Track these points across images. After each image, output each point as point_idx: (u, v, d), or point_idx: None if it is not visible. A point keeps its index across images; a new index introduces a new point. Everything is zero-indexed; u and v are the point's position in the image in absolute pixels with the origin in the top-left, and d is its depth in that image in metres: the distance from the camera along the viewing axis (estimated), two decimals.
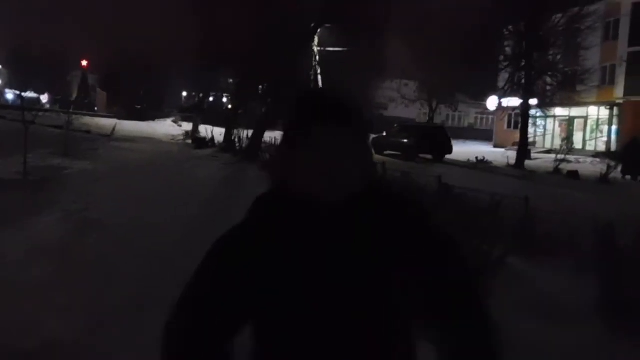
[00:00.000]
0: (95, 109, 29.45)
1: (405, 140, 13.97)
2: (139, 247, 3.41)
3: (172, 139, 14.77)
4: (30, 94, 30.13)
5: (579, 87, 15.38)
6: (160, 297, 2.51)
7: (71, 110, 12.12)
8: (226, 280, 0.63)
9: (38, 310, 2.28)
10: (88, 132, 12.69)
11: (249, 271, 0.62)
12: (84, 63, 32.67)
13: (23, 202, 4.55)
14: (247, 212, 0.68)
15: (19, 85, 27.76)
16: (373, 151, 0.65)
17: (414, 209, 0.65)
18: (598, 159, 14.22)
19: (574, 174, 11.44)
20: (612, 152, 15.66)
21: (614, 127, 18.58)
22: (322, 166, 0.58)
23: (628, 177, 11.39)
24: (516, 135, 15.88)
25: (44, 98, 32.73)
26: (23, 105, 9.75)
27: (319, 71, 23.80)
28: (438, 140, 14.14)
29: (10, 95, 31.79)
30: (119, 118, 21.15)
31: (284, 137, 0.63)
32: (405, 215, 0.64)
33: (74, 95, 34.12)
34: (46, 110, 20.31)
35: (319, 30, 17.40)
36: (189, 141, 14.07)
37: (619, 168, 11.26)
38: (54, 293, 2.49)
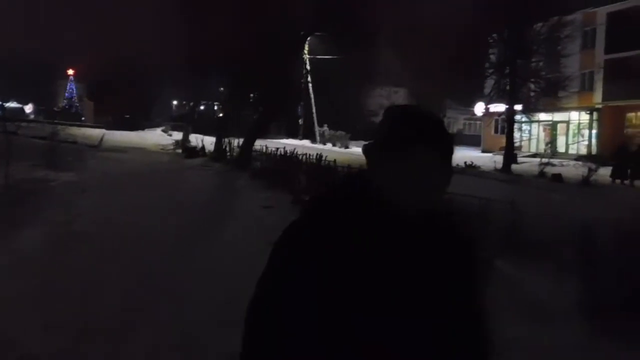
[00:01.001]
0: (83, 118, 28.91)
1: None
2: (125, 259, 3.35)
3: (162, 149, 14.60)
4: (13, 104, 29.43)
5: (560, 93, 15.92)
6: (147, 311, 2.50)
7: (57, 121, 11.87)
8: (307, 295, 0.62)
9: (21, 325, 2.23)
10: (74, 142, 12.43)
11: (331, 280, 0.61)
12: (71, 72, 32.17)
13: (6, 216, 4.43)
14: (308, 213, 0.67)
15: (1, 95, 27.12)
16: (451, 171, 0.67)
17: (467, 233, 0.69)
18: (580, 162, 14.68)
19: (557, 177, 11.77)
20: (593, 155, 16.18)
21: (594, 131, 19.24)
22: (410, 182, 0.61)
23: (618, 180, 11.74)
24: (503, 140, 16.26)
25: (28, 108, 31.98)
26: (4, 115, 9.50)
27: (309, 79, 24.04)
28: None
29: None
30: (107, 128, 20.83)
31: (374, 148, 0.65)
32: (460, 236, 0.68)
33: (60, 105, 33.45)
34: (30, 121, 19.88)
35: (309, 38, 17.63)
36: (180, 150, 13.94)
37: (599, 170, 11.64)
38: (37, 307, 2.44)
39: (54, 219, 4.39)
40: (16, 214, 4.53)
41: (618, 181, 11.71)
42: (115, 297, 2.64)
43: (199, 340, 2.19)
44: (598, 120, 19.20)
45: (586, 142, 19.53)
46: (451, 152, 0.66)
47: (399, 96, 23.33)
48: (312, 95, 24.86)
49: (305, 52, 22.15)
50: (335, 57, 21.85)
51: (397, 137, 0.63)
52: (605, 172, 11.83)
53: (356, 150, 17.63)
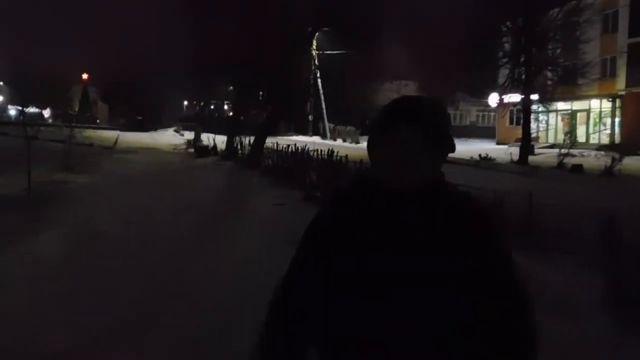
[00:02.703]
0: (97, 121, 29.74)
1: None
2: (143, 260, 3.40)
3: (175, 149, 14.84)
4: (32, 109, 30.53)
5: (579, 81, 15.29)
6: (165, 310, 2.52)
7: (73, 124, 12.24)
8: (314, 253, 0.73)
9: (44, 325, 2.29)
10: (90, 145, 12.78)
11: (332, 245, 0.71)
12: (85, 76, 33.10)
13: (28, 218, 4.58)
14: (329, 198, 0.78)
15: (21, 101, 28.14)
16: (445, 152, 0.71)
17: (478, 206, 0.72)
18: (602, 152, 14.09)
19: (578, 168, 11.36)
20: (617, 144, 15.52)
21: (617, 119, 18.43)
22: (395, 160, 0.68)
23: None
24: (518, 132, 15.81)
25: (46, 113, 33.11)
26: (25, 121, 9.83)
27: (318, 74, 23.93)
28: None
29: (12, 111, 32.24)
30: (121, 130, 21.34)
31: (369, 136, 0.73)
32: (469, 209, 0.70)
33: (76, 109, 34.51)
34: (48, 125, 20.56)
35: (317, 34, 17.50)
36: (191, 150, 14.14)
37: (624, 160, 11.15)
38: (57, 305, 2.50)
39: (73, 220, 4.51)
40: (37, 216, 4.68)
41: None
42: (133, 296, 2.68)
43: (215, 337, 2.20)
44: (621, 107, 18.37)
45: (608, 131, 18.74)
46: (435, 134, 0.69)
47: (409, 90, 22.96)
48: (321, 91, 24.75)
49: (314, 47, 22.04)
50: (344, 52, 21.66)
51: (379, 121, 0.71)
52: (630, 162, 11.32)
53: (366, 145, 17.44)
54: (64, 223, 4.39)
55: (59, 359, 1.99)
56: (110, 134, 17.69)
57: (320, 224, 0.74)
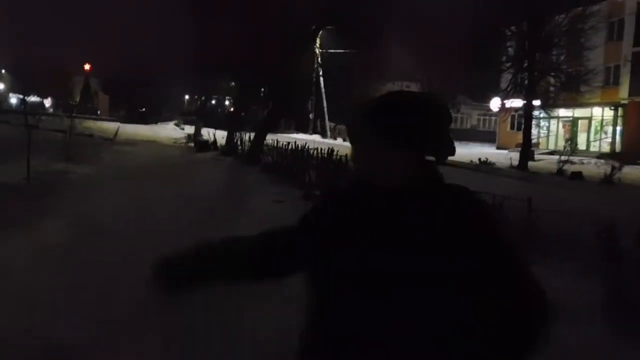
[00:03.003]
0: (98, 112, 29.67)
1: None
2: (142, 251, 3.37)
3: (175, 142, 14.82)
4: (33, 98, 30.41)
5: (582, 88, 15.29)
6: (164, 301, 2.51)
7: (74, 114, 12.20)
8: (298, 231, 0.79)
9: (42, 313, 2.29)
10: (91, 135, 12.75)
11: (315, 231, 0.75)
12: (87, 67, 32.98)
13: (27, 207, 4.56)
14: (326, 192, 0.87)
15: (22, 89, 28.04)
16: (414, 153, 0.72)
17: (479, 205, 0.71)
18: (602, 160, 14.11)
19: (577, 175, 11.38)
20: (617, 152, 15.57)
21: (619, 128, 18.46)
22: (365, 161, 0.73)
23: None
24: (519, 137, 15.82)
25: (47, 102, 33.02)
26: (26, 109, 9.81)
27: (320, 73, 23.89)
28: None
29: (14, 99, 32.11)
30: (122, 121, 21.28)
31: (349, 137, 0.77)
32: (470, 209, 0.69)
33: (77, 99, 34.39)
34: (49, 114, 20.47)
35: (320, 32, 17.44)
36: (191, 144, 14.11)
37: (624, 169, 11.17)
38: (59, 297, 2.50)
39: (72, 210, 4.48)
40: (37, 205, 4.67)
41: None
42: (133, 287, 2.68)
43: (216, 327, 2.21)
44: (623, 116, 18.39)
45: (609, 140, 18.76)
46: (398, 138, 0.70)
47: (411, 89, 22.90)
48: (323, 90, 24.72)
49: (317, 46, 21.99)
50: (346, 51, 21.60)
51: (352, 125, 0.75)
52: (630, 171, 11.33)
53: None
54: (64, 213, 4.37)
55: (59, 349, 1.99)
56: (110, 126, 17.64)
57: (317, 218, 0.77)
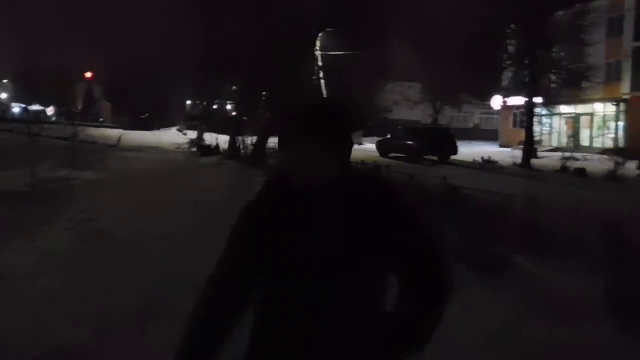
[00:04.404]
0: (101, 120, 29.92)
1: (410, 142, 13.93)
2: (146, 256, 3.41)
3: (178, 148, 14.91)
4: (36, 107, 30.74)
5: (584, 84, 15.20)
6: (168, 306, 2.53)
7: (77, 122, 12.32)
8: (238, 241, 0.86)
9: (47, 317, 2.31)
10: (94, 143, 12.89)
11: (254, 235, 0.84)
12: (89, 75, 33.32)
13: (32, 214, 4.61)
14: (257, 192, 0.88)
15: (25, 98, 28.32)
16: (340, 153, 0.81)
17: (382, 190, 0.83)
18: (606, 156, 14.00)
19: (581, 172, 11.31)
20: (621, 148, 15.46)
21: (621, 124, 18.33)
22: (292, 163, 0.80)
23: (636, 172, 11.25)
24: (522, 135, 15.74)
25: (50, 110, 33.36)
26: (29, 118, 9.90)
27: (321, 75, 23.92)
28: (443, 142, 14.06)
29: (16, 108, 32.48)
30: (125, 128, 21.45)
31: (278, 142, 0.84)
32: (373, 194, 0.81)
33: (80, 107, 34.71)
34: (52, 123, 20.67)
35: (320, 35, 17.49)
36: (195, 149, 14.20)
37: (627, 164, 11.09)
38: (63, 301, 2.52)
39: (76, 216, 4.53)
40: (40, 212, 4.70)
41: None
42: (137, 292, 2.70)
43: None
44: (626, 112, 18.26)
45: (612, 135, 18.62)
46: (327, 139, 0.79)
47: (413, 91, 22.97)
48: (324, 92, 24.78)
49: (317, 48, 22.06)
50: (347, 53, 21.63)
51: (281, 130, 0.82)
52: (633, 167, 11.24)
53: (370, 146, 17.44)
54: (68, 218, 4.41)
55: (63, 352, 2.01)
56: (113, 133, 17.80)
57: (248, 219, 0.85)
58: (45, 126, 12.11)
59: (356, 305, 0.77)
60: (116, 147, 12.87)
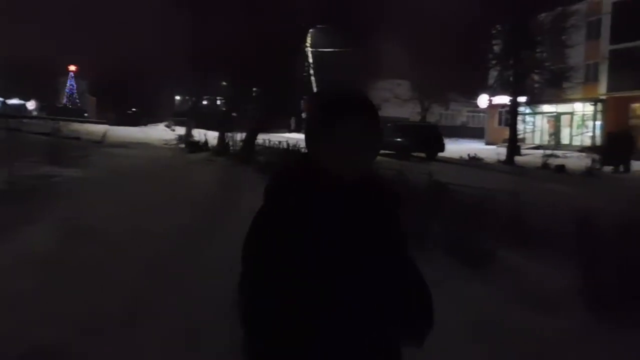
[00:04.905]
0: (85, 114, 28.98)
1: (399, 140, 14.06)
2: (132, 254, 3.34)
3: (166, 144, 14.64)
4: (15, 101, 29.49)
5: (564, 84, 15.74)
6: (155, 305, 2.52)
7: (59, 117, 11.89)
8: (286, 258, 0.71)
9: (28, 318, 2.25)
10: (77, 138, 12.47)
11: (294, 250, 0.70)
12: (72, 68, 32.18)
13: (10, 212, 4.39)
14: (268, 196, 0.77)
15: (3, 91, 27.14)
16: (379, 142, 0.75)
17: (395, 197, 0.79)
18: (584, 154, 14.58)
19: (561, 169, 11.72)
20: (597, 146, 16.12)
21: (598, 122, 19.08)
22: (347, 151, 0.71)
23: (608, 168, 11.72)
24: (507, 132, 16.16)
25: (30, 105, 32.09)
26: (6, 112, 9.48)
27: (312, 72, 23.85)
28: (431, 139, 14.32)
29: None
30: (110, 123, 20.91)
31: (312, 128, 0.74)
32: (392, 195, 0.78)
33: (63, 101, 33.51)
34: (32, 117, 19.92)
35: (310, 31, 17.41)
36: (183, 145, 14.00)
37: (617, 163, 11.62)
38: (44, 301, 2.46)
39: (57, 214, 4.36)
40: (19, 210, 4.49)
41: (610, 168, 11.66)
42: (121, 291, 2.65)
43: (205, 333, 2.18)
44: (602, 111, 19.01)
45: (590, 134, 19.38)
46: (378, 122, 0.73)
47: (402, 89, 23.21)
48: (314, 89, 24.72)
49: (308, 44, 21.97)
50: (337, 49, 21.64)
51: (325, 113, 0.72)
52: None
53: None
54: (49, 217, 4.24)
55: (47, 352, 1.97)
56: (98, 128, 17.29)
57: (269, 222, 0.73)
58: (25, 121, 11.65)
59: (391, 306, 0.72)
60: (101, 143, 12.53)
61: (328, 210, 0.71)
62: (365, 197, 0.73)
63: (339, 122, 0.71)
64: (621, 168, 11.76)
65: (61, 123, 11.11)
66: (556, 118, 21.23)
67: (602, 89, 18.77)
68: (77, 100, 32.63)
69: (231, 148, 11.77)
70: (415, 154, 13.55)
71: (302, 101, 26.22)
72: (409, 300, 0.75)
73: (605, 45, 18.37)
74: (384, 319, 0.72)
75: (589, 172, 10.93)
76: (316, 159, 0.72)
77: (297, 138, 13.70)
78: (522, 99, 15.53)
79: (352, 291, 0.70)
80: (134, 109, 27.32)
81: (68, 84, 33.24)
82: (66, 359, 1.96)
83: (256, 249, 0.73)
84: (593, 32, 18.80)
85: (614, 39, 17.85)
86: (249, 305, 0.73)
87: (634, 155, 12.09)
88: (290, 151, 8.63)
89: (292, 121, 26.27)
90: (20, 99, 30.64)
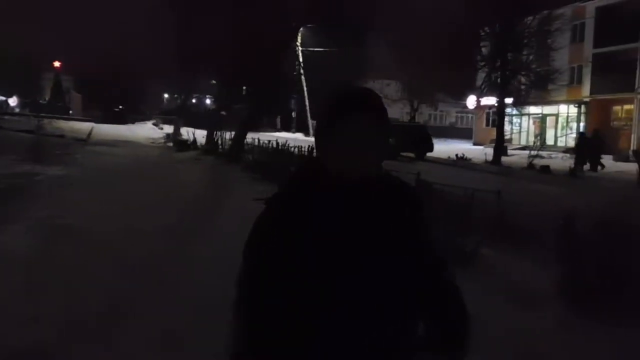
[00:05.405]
0: (70, 112, 28.26)
1: None
2: (114, 254, 3.28)
3: (153, 142, 14.42)
4: None
5: (550, 86, 16.14)
6: (135, 306, 2.48)
7: (43, 114, 11.58)
8: (278, 264, 0.69)
9: (9, 319, 2.20)
10: (62, 136, 12.18)
11: (296, 250, 0.68)
12: (57, 64, 31.32)
13: None
14: (269, 205, 0.74)
15: None
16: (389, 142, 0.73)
17: (414, 194, 0.78)
18: (568, 154, 14.97)
19: (545, 169, 12.02)
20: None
21: (582, 124, 19.63)
22: (356, 150, 0.68)
23: (584, 167, 12.07)
24: (494, 133, 16.47)
25: (12, 101, 31.10)
26: None
27: (302, 71, 23.83)
28: (419, 139, 14.47)
29: None
30: (97, 121, 20.44)
31: (323, 126, 0.71)
32: (408, 198, 0.76)
33: (47, 98, 32.61)
34: (15, 114, 19.33)
35: (301, 30, 17.36)
36: (171, 144, 13.79)
37: (587, 163, 11.96)
38: (22, 303, 2.40)
39: (38, 213, 4.28)
40: (1, 208, 4.40)
41: (585, 167, 12.01)
42: (103, 292, 2.61)
43: (189, 334, 2.16)
44: (586, 113, 19.56)
45: (574, 135, 19.91)
46: (387, 120, 0.71)
47: (391, 89, 23.38)
48: (305, 88, 24.71)
49: (298, 44, 21.94)
50: (327, 49, 21.65)
51: (333, 110, 0.71)
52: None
53: None
54: (30, 216, 4.16)
55: (27, 354, 1.93)
56: (83, 126, 16.91)
57: (277, 223, 0.70)
58: (7, 117, 11.32)
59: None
60: (86, 141, 12.26)
61: (328, 210, 0.69)
62: (372, 198, 0.70)
63: (340, 121, 0.69)
64: (587, 166, 12.07)
65: (45, 120, 10.83)
66: (542, 119, 21.74)
67: (585, 91, 19.30)
68: (63, 97, 31.80)
69: (220, 147, 11.66)
70: (404, 153, 13.68)
71: (292, 100, 26.17)
72: (446, 317, 0.75)
73: (589, 49, 18.89)
74: (385, 320, 0.70)
75: (572, 173, 11.24)
76: (324, 160, 0.71)
77: (286, 137, 13.68)
78: (509, 100, 15.85)
79: (352, 291, 0.68)
80: (120, 107, 26.74)
81: (53, 81, 32.37)
82: None
83: (255, 246, 0.72)
84: (577, 35, 19.31)
85: (597, 43, 18.37)
86: (244, 303, 0.72)
87: (603, 155, 12.42)
88: (280, 150, 8.58)
89: (278, 120, 26.16)
90: (1, 95, 29.71)
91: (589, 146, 12.20)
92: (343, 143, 0.68)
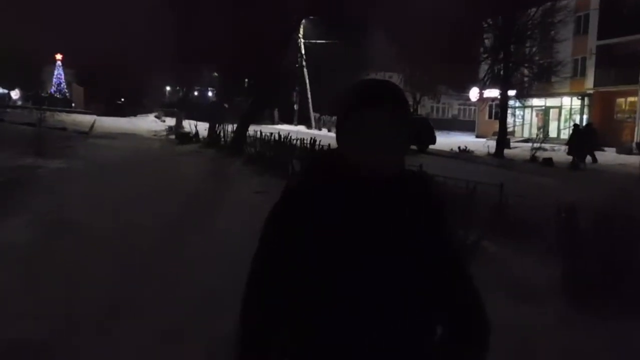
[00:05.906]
0: (72, 104, 28.19)
1: None
2: (115, 248, 3.28)
3: (155, 135, 14.39)
4: None
5: (553, 79, 15.99)
6: (139, 300, 2.45)
7: (45, 107, 11.55)
8: (287, 247, 0.69)
9: (8, 312, 2.21)
10: (64, 129, 12.17)
11: (306, 236, 0.68)
12: (59, 57, 31.12)
13: None
14: (288, 191, 0.72)
15: None
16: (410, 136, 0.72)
17: (434, 187, 0.76)
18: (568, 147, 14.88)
19: (548, 162, 11.98)
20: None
21: (585, 116, 19.48)
22: (377, 144, 0.66)
23: (576, 158, 11.93)
24: (497, 126, 16.38)
25: (15, 94, 31.04)
26: None
27: (304, 63, 23.62)
28: (422, 132, 14.43)
29: None
30: (98, 114, 20.41)
31: (343, 119, 0.70)
32: (430, 193, 0.74)
33: (49, 90, 32.50)
34: (17, 107, 19.32)
35: (303, 22, 17.16)
36: (172, 137, 13.79)
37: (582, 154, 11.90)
38: (22, 297, 2.40)
39: (40, 207, 4.26)
40: (2, 202, 4.37)
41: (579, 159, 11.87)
42: (105, 286, 2.60)
43: (190, 328, 2.14)
44: (589, 105, 19.39)
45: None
46: (408, 113, 0.70)
47: (393, 81, 23.18)
48: (307, 80, 24.53)
49: (300, 35, 21.70)
50: (330, 41, 21.42)
51: (354, 103, 0.69)
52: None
53: None
54: (31, 210, 4.13)
55: (25, 347, 1.93)
56: (86, 118, 16.87)
57: (291, 213, 0.70)
58: (9, 110, 11.31)
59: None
60: (88, 133, 12.25)
61: (333, 204, 0.68)
62: (393, 193, 0.68)
63: (360, 114, 0.66)
64: (589, 158, 11.93)
65: (47, 113, 10.81)
66: (545, 112, 21.58)
67: (589, 83, 19.09)
68: (65, 90, 31.66)
69: (222, 139, 11.66)
70: None
71: (294, 93, 26.00)
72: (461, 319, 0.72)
73: (592, 41, 18.63)
74: (385, 319, 0.68)
75: (574, 166, 11.19)
76: (345, 153, 0.69)
77: (288, 129, 13.61)
78: (511, 92, 15.72)
79: (355, 288, 0.67)
80: (122, 99, 26.64)
81: (55, 73, 32.20)
82: (46, 354, 1.92)
83: (265, 235, 0.72)
84: (581, 27, 19.02)
85: (601, 35, 18.10)
86: (248, 299, 0.72)
87: (596, 148, 12.31)
88: (282, 143, 8.57)
89: (276, 113, 26.04)
90: (4, 88, 29.62)
91: (580, 139, 12.07)
92: (364, 136, 0.67)
